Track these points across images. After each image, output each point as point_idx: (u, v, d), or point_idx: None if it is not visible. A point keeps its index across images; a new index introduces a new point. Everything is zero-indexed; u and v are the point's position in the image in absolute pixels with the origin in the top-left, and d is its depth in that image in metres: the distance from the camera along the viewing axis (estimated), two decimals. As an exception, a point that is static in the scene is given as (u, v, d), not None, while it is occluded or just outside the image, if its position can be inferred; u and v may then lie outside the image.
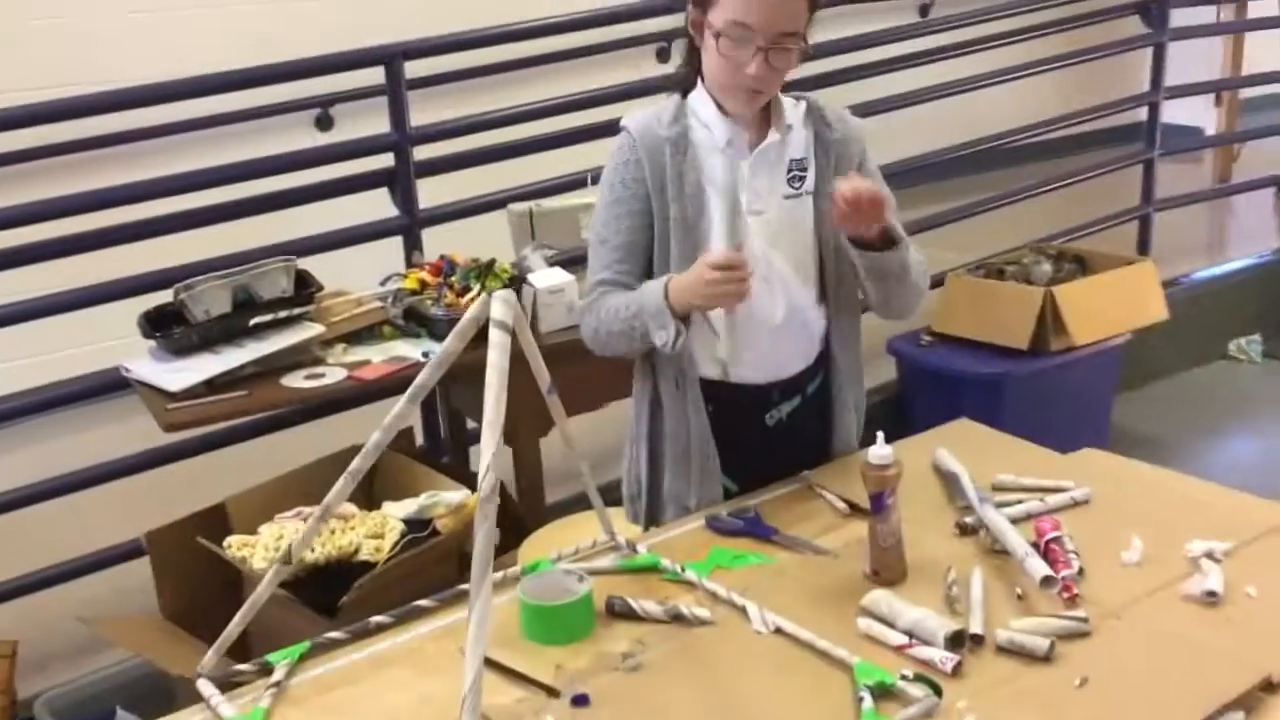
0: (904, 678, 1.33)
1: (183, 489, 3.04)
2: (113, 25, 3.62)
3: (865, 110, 3.77)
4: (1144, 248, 4.46)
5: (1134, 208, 4.46)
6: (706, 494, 1.82)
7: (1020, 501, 1.74)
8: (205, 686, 1.45)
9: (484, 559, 1.13)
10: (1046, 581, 1.48)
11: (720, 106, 1.77)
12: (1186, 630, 1.42)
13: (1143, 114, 4.44)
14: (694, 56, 1.80)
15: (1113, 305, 3.58)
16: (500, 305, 1.24)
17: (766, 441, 1.82)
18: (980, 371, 3.41)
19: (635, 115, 1.82)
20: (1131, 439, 3.83)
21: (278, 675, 1.45)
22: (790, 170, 1.79)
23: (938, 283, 3.75)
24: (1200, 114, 5.80)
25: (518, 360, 1.43)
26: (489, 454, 1.16)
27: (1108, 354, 3.61)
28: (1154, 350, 4.32)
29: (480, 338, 1.29)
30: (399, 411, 1.34)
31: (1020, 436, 2.05)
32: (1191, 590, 1.49)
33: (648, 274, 1.79)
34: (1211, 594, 1.48)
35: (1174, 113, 4.75)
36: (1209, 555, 1.57)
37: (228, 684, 1.46)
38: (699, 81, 1.80)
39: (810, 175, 1.80)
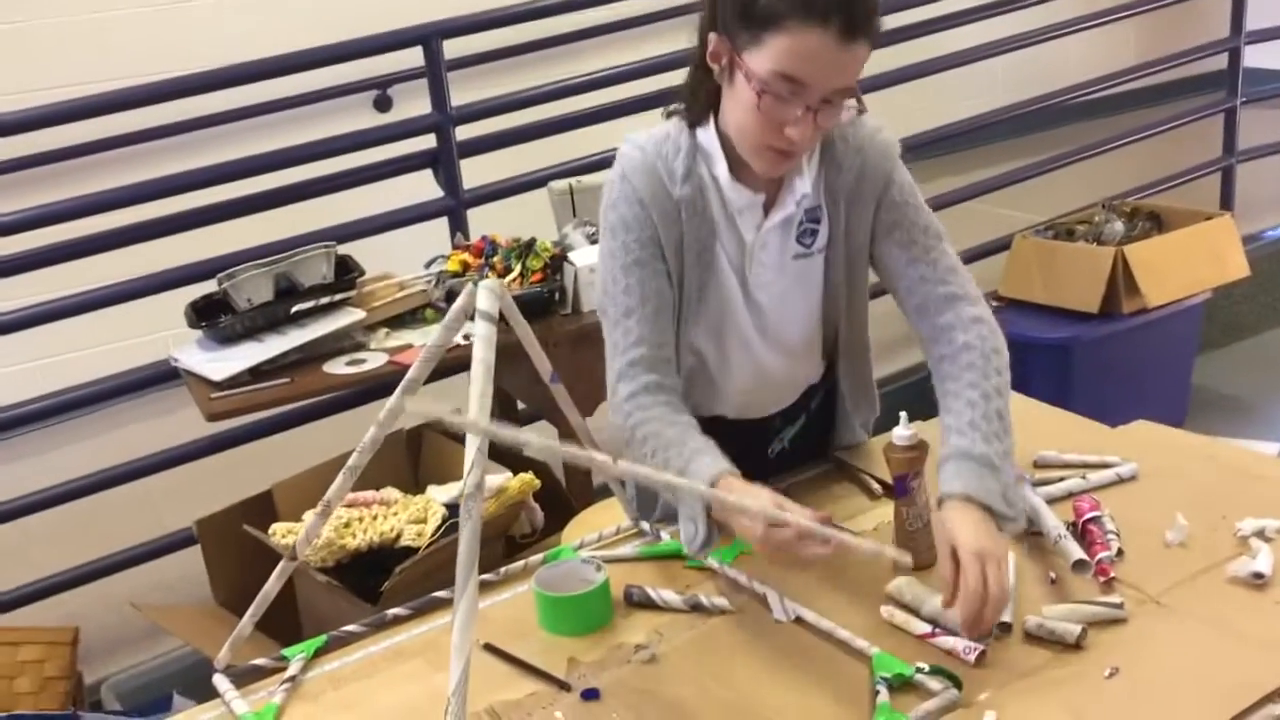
0: (920, 670, 1.27)
1: (241, 475, 3.09)
2: (142, 17, 3.63)
3: (932, 68, 3.68)
4: (1226, 201, 4.27)
5: (1215, 159, 4.26)
6: None
7: (1062, 479, 1.66)
8: (221, 682, 1.45)
9: (469, 558, 1.10)
10: (1079, 565, 1.42)
11: (732, 159, 1.51)
12: (1229, 615, 1.34)
13: (1224, 61, 4.24)
14: (706, 84, 1.50)
15: (1189, 264, 3.42)
16: (486, 296, 1.20)
17: (767, 470, 1.69)
18: (1048, 337, 3.30)
19: (635, 159, 1.52)
20: (1213, 400, 3.69)
21: (293, 670, 1.45)
22: (801, 224, 1.56)
23: (1004, 245, 3.64)
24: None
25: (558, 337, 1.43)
26: (473, 450, 1.13)
27: (1185, 314, 3.46)
28: (1238, 308, 4.15)
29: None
30: (393, 406, 1.32)
31: (1092, 402, 1.97)
32: (1237, 572, 1.41)
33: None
34: (1259, 576, 1.40)
35: (1261, 57, 4.53)
36: (1260, 534, 1.49)
37: (245, 679, 1.47)
38: (710, 117, 1.52)
39: (823, 228, 1.57)
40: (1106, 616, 1.35)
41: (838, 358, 1.70)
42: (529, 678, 1.39)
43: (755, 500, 1.31)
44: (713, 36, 1.43)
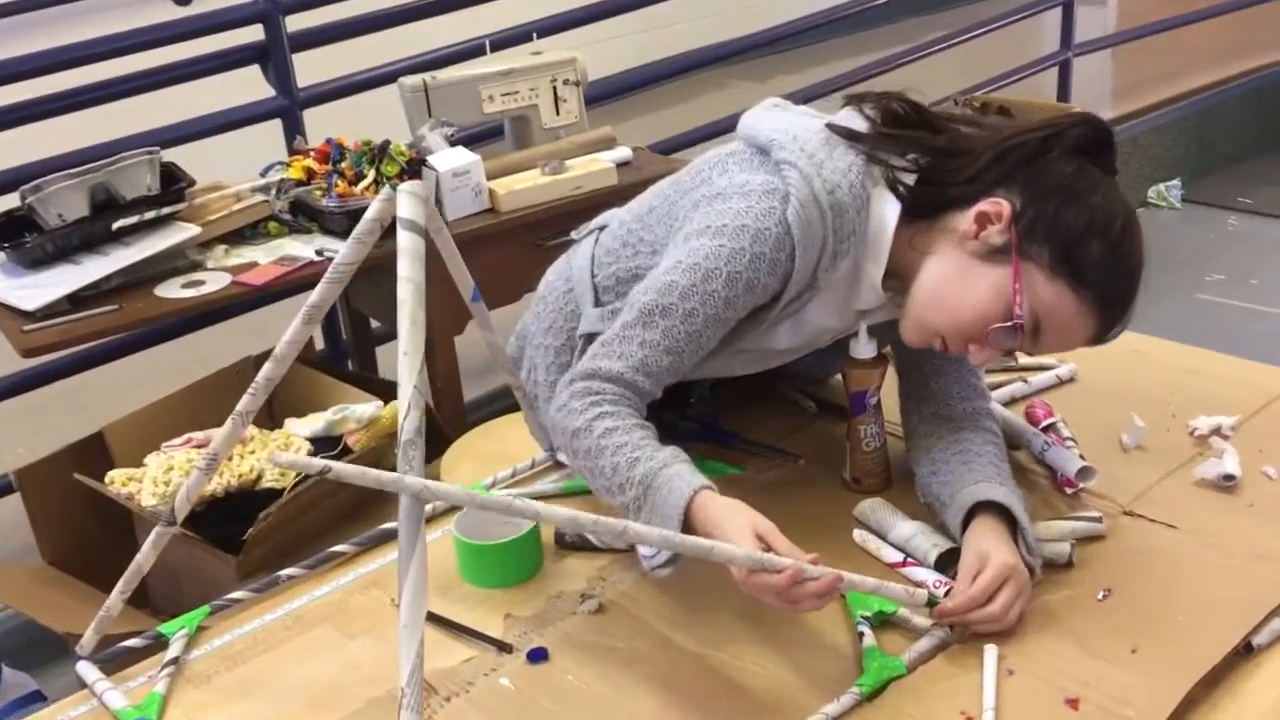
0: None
1: (53, 414, 2.77)
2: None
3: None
4: (1064, 94, 4.31)
5: (1053, 53, 4.28)
6: None
7: (1002, 384, 1.57)
8: (88, 671, 1.22)
9: (414, 523, 0.91)
10: (1083, 474, 1.32)
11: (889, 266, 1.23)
12: (1208, 522, 1.28)
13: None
14: (943, 191, 1.21)
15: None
16: (409, 201, 0.99)
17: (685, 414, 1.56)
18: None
19: (812, 218, 1.18)
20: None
21: (174, 650, 1.23)
22: None
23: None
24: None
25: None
26: (408, 388, 0.93)
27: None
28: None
29: (389, 229, 1.04)
30: (292, 338, 1.11)
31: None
32: (1206, 474, 1.35)
33: None
34: (1229, 478, 1.33)
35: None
36: (1217, 432, 1.43)
37: (116, 664, 1.24)
38: (904, 210, 1.21)
39: None
40: (1087, 532, 1.26)
41: None
42: (462, 641, 1.21)
43: (738, 531, 1.09)
44: (1005, 204, 1.16)
